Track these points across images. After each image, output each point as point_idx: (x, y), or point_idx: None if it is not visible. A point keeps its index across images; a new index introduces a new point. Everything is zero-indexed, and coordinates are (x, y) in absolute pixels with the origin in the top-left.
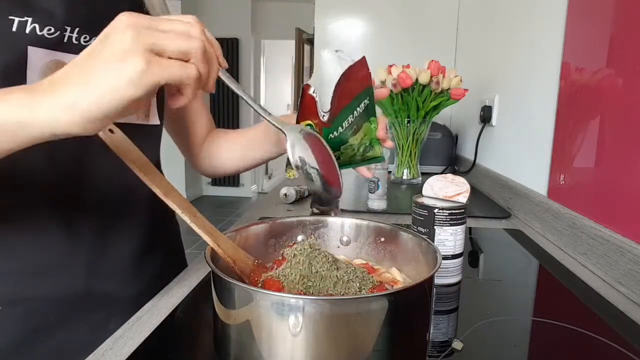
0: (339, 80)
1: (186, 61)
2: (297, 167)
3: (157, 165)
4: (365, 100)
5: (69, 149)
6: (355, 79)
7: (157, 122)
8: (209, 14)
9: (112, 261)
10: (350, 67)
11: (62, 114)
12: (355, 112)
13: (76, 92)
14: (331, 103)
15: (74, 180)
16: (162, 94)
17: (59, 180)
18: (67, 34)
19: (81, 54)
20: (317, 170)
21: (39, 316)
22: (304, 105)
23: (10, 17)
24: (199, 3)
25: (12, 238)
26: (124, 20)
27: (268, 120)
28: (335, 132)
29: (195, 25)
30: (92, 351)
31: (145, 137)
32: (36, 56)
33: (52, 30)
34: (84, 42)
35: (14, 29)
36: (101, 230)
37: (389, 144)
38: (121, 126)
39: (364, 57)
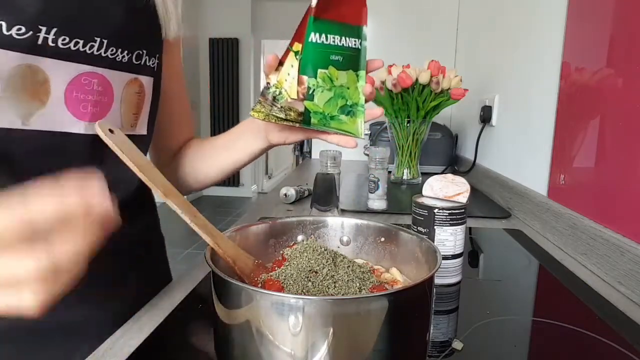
0: None
1: None
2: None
3: None
4: (356, 40)
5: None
6: (349, 3)
7: (144, 132)
8: (209, 14)
9: (86, 288)
10: None
11: None
12: (343, 40)
13: None
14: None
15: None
16: (156, 104)
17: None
18: (42, 34)
19: None
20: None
21: None
22: (302, 25)
23: None
24: (199, 3)
25: None
26: None
27: None
28: (317, 36)
29: None
30: None
31: None
32: (1, 60)
33: (23, 30)
34: (62, 44)
35: None
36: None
37: (370, 96)
38: None
39: None
